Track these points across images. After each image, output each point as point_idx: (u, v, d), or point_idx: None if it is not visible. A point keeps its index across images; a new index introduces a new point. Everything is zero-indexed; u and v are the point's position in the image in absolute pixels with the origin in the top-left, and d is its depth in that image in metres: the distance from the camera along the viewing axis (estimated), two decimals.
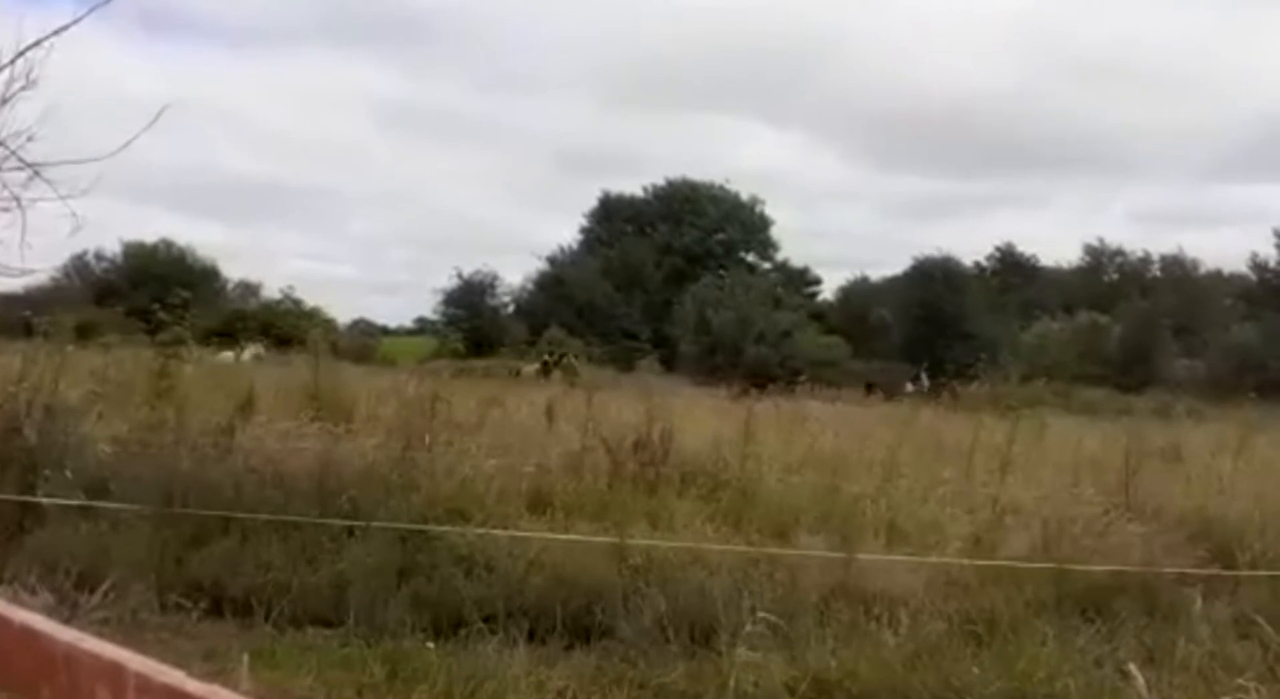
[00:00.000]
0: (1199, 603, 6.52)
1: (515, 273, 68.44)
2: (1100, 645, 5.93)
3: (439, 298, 54.31)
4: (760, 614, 5.87)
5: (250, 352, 27.81)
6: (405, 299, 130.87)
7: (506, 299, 55.86)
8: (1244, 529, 8.27)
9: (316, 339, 14.13)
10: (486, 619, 6.10)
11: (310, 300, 47.67)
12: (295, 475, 7.82)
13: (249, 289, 52.83)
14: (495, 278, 55.07)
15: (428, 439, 8.84)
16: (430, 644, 5.75)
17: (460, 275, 54.01)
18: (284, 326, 38.12)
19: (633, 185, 59.68)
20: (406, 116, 78.88)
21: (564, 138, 79.51)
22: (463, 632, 6.00)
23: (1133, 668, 3.45)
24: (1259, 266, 42.51)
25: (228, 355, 23.55)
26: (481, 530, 7.23)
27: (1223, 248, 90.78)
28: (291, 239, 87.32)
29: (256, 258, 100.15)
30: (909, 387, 33.96)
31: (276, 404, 10.68)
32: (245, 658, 4.40)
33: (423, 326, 56.04)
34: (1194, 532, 8.30)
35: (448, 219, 76.95)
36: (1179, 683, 5.18)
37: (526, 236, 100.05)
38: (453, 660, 5.50)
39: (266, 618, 6.22)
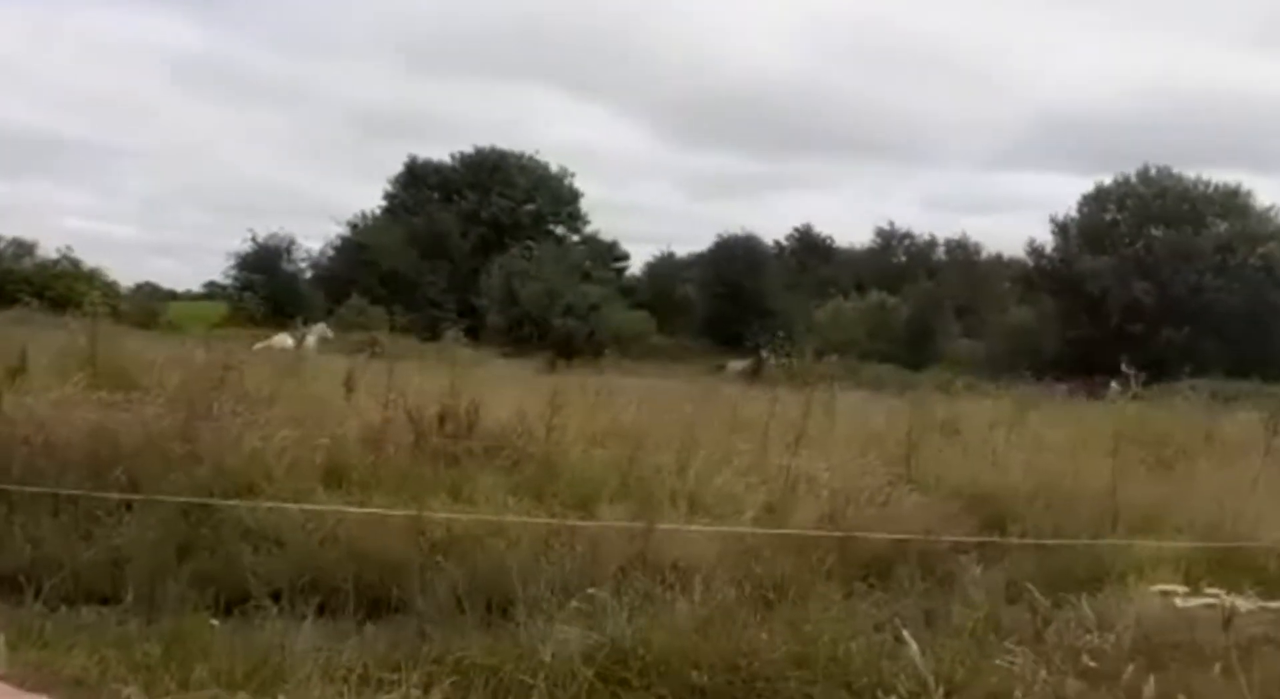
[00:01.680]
0: (973, 570, 6.92)
1: (314, 238, 66.17)
2: (881, 610, 6.21)
3: (231, 262, 51.81)
4: (560, 585, 5.87)
5: None
6: (193, 263, 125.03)
7: (304, 265, 53.95)
8: (1015, 500, 8.82)
9: (95, 302, 13.26)
10: (275, 596, 5.89)
11: (90, 261, 44.76)
12: (68, 445, 7.36)
13: (22, 247, 49.22)
14: (292, 242, 52.92)
15: (214, 409, 8.45)
16: (214, 621, 5.50)
17: (255, 238, 51.74)
18: (60, 288, 35.68)
19: (440, 152, 58.64)
20: (199, 72, 75.38)
21: (367, 102, 77.54)
22: (249, 608, 5.78)
23: (906, 633, 3.63)
24: (1036, 252, 45.22)
25: None
26: (271, 504, 6.98)
27: (1004, 233, 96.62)
28: (70, 196, 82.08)
29: (30, 215, 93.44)
30: (736, 365, 34.50)
31: (50, 371, 10.00)
32: (1, 637, 4.10)
33: (213, 291, 53.49)
34: (969, 502, 8.81)
35: (241, 181, 74.07)
36: (953, 646, 5.47)
37: (326, 201, 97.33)
38: (236, 638, 5.29)
39: (37, 596, 5.83)
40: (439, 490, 7.81)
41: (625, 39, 77.29)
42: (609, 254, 56.86)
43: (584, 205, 57.96)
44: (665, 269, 57.18)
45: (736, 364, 34.78)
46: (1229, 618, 1.09)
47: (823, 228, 60.39)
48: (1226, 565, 8.16)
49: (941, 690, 3.83)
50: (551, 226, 56.71)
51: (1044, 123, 71.05)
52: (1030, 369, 28.96)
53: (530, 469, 8.73)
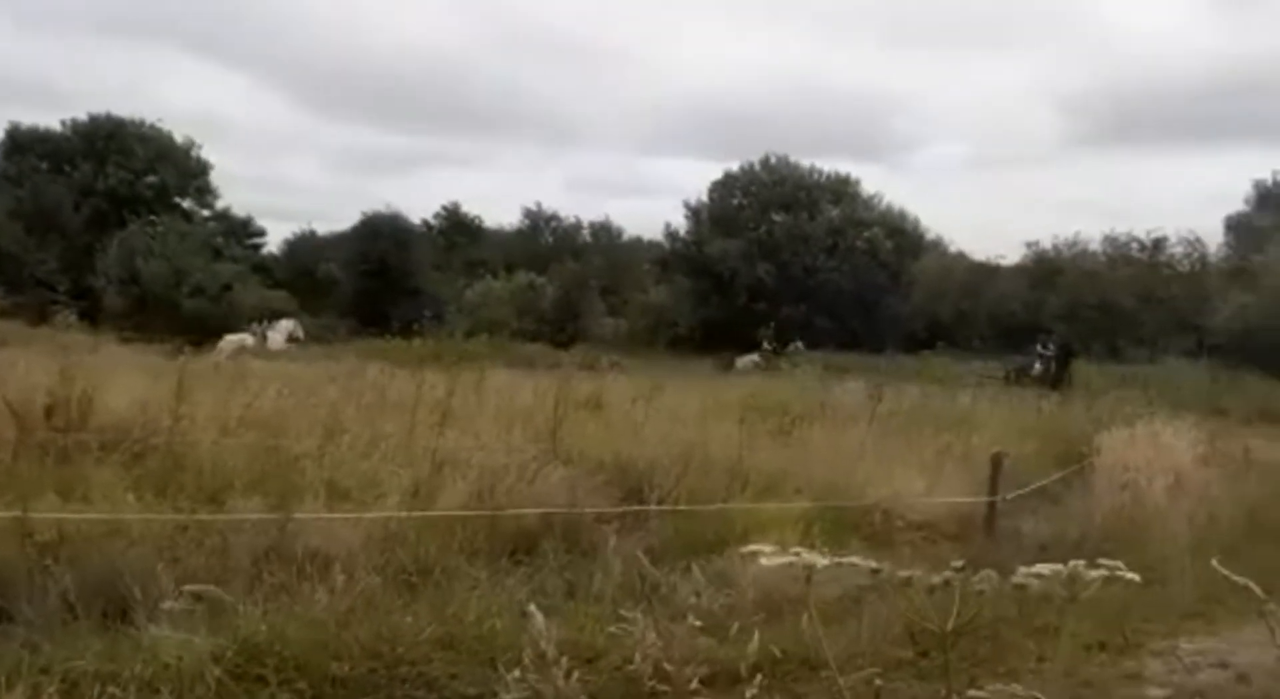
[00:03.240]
0: (613, 540, 7.17)
1: None
2: (527, 585, 6.31)
3: None
4: (187, 584, 5.51)
5: None
6: None
7: None
8: (653, 470, 9.22)
9: None
10: None
11: None
12: None
13: None
14: None
15: None
16: None
17: None
18: None
19: (48, 119, 53.08)
20: None
21: None
22: None
23: (532, 607, 3.71)
24: (671, 235, 47.53)
25: None
26: None
27: (645, 216, 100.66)
28: None
29: None
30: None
31: None
32: None
33: None
34: (613, 474, 9.11)
35: None
36: (593, 612, 5.65)
37: None
38: None
39: None
40: (46, 489, 7.09)
41: (266, 5, 73.44)
42: (243, 230, 53.86)
43: (216, 179, 54.51)
44: (306, 247, 54.94)
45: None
46: (809, 574, 1.17)
47: (471, 207, 60.45)
48: (840, 523, 8.96)
49: (565, 660, 3.94)
50: (178, 200, 52.83)
51: (682, 110, 74.71)
52: (667, 345, 30.44)
53: (154, 462, 8.14)
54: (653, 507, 8.18)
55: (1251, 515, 10.18)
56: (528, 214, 59.47)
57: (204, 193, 54.37)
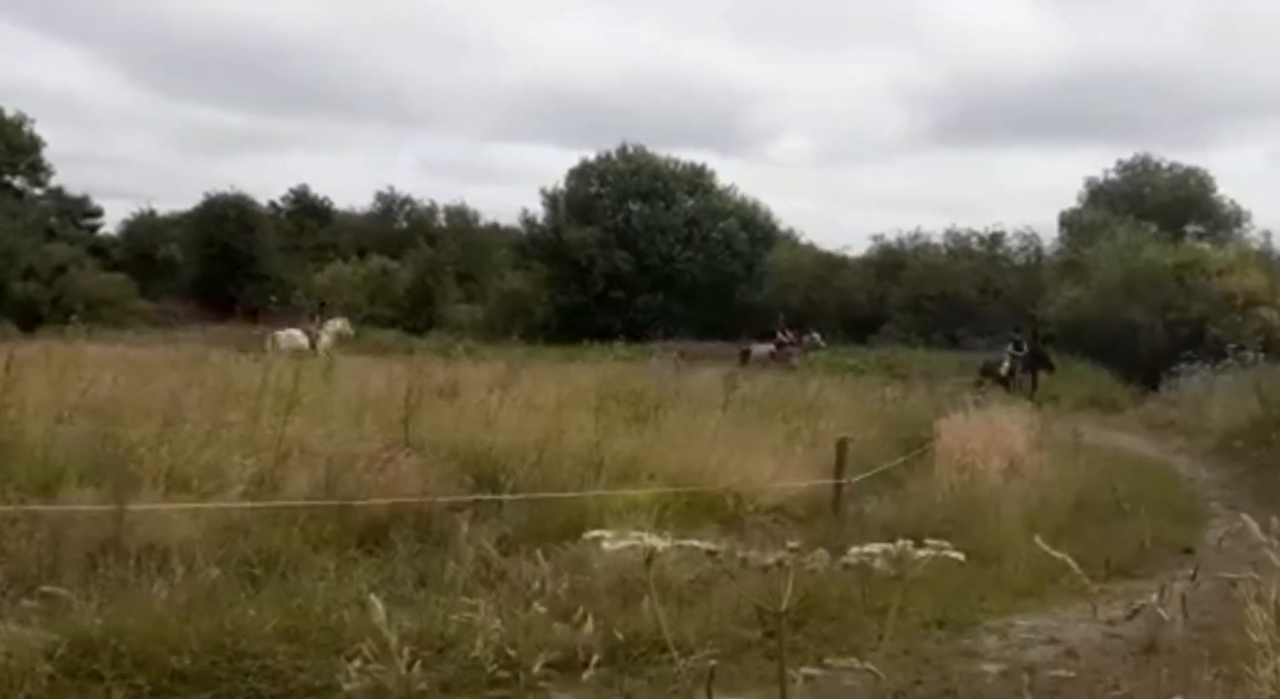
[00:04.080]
0: (465, 528, 7.10)
1: None
2: (376, 575, 6.20)
3: None
4: (18, 578, 5.25)
5: None
6: None
7: None
8: (508, 458, 9.17)
9: None
10: None
11: None
12: None
13: None
14: None
15: None
16: None
17: None
18: None
19: None
20: None
21: None
22: None
23: (372, 597, 3.65)
24: (529, 222, 47.26)
25: None
26: None
27: (502, 202, 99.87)
28: None
29: None
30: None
31: None
32: None
33: None
34: (466, 462, 9.03)
35: None
36: (444, 601, 5.60)
37: None
38: None
39: None
40: None
41: None
42: (79, 210, 51.30)
43: (50, 156, 51.69)
44: (146, 228, 52.56)
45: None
46: (650, 557, 1.18)
47: (321, 190, 58.82)
48: (694, 507, 9.10)
49: (410, 650, 3.90)
50: (8, 178, 49.96)
51: (540, 97, 74.25)
52: (525, 332, 30.31)
53: None
54: (506, 495, 8.14)
55: (1080, 497, 10.72)
56: (380, 197, 58.23)
57: (36, 170, 51.48)
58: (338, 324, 25.18)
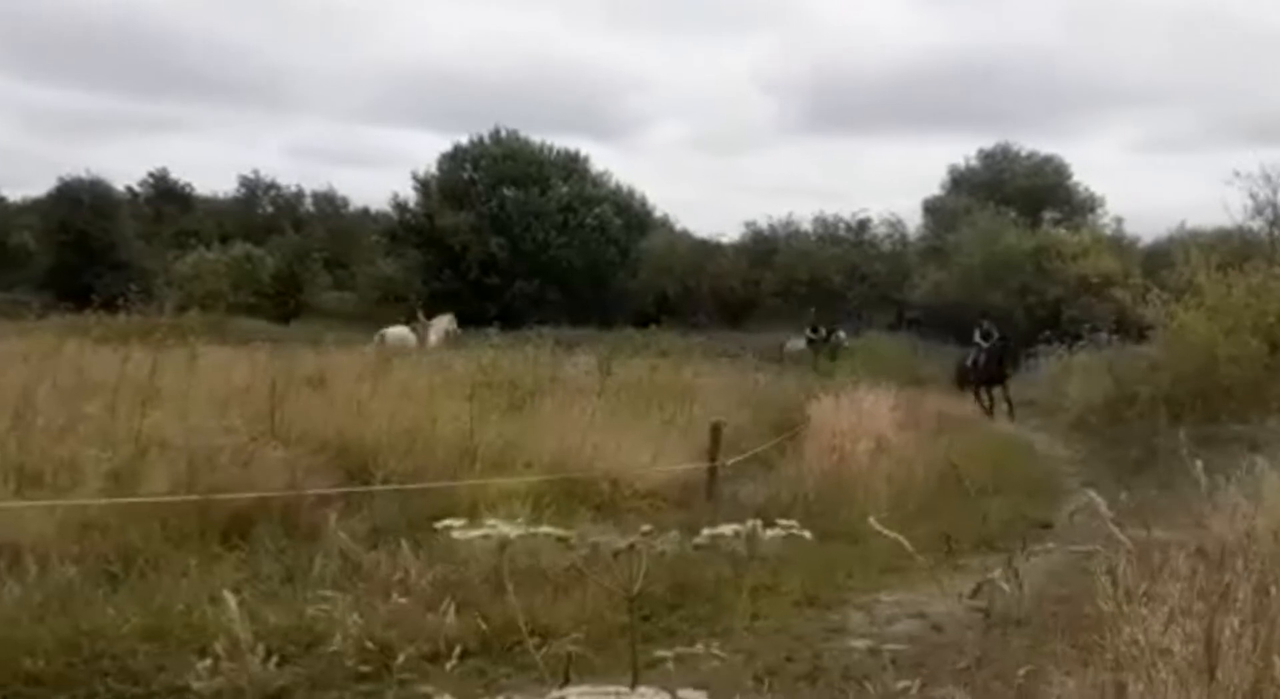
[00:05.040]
0: (333, 520, 6.96)
1: None
2: (242, 571, 6.04)
3: None
4: None
5: None
6: None
7: None
8: (379, 447, 9.02)
9: None
10: None
11: None
12: None
13: None
14: None
15: None
16: None
17: None
18: None
19: None
20: None
21: None
22: None
23: (226, 593, 3.56)
24: (400, 207, 46.45)
25: None
26: None
27: (372, 187, 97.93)
28: None
29: None
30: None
31: None
32: None
33: None
34: (336, 453, 8.85)
35: None
36: (312, 597, 5.48)
37: None
38: None
39: None
40: None
41: None
42: None
43: None
44: None
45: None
46: (503, 545, 1.17)
47: (181, 174, 56.76)
48: (570, 495, 9.09)
49: (264, 646, 3.81)
50: None
51: (412, 80, 72.79)
52: (397, 320, 29.77)
53: None
54: (377, 486, 8.01)
55: (943, 474, 11.07)
56: (244, 182, 56.40)
57: None
58: (444, 322, 24.25)
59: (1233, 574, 3.52)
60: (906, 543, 2.57)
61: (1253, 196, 30.51)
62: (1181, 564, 3.80)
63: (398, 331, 22.22)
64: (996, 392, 21.16)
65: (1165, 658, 3.21)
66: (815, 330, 28.65)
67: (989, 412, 20.76)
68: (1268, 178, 30.32)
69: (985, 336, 22.27)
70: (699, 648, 1.54)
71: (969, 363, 22.36)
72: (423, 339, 21.72)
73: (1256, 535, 4.46)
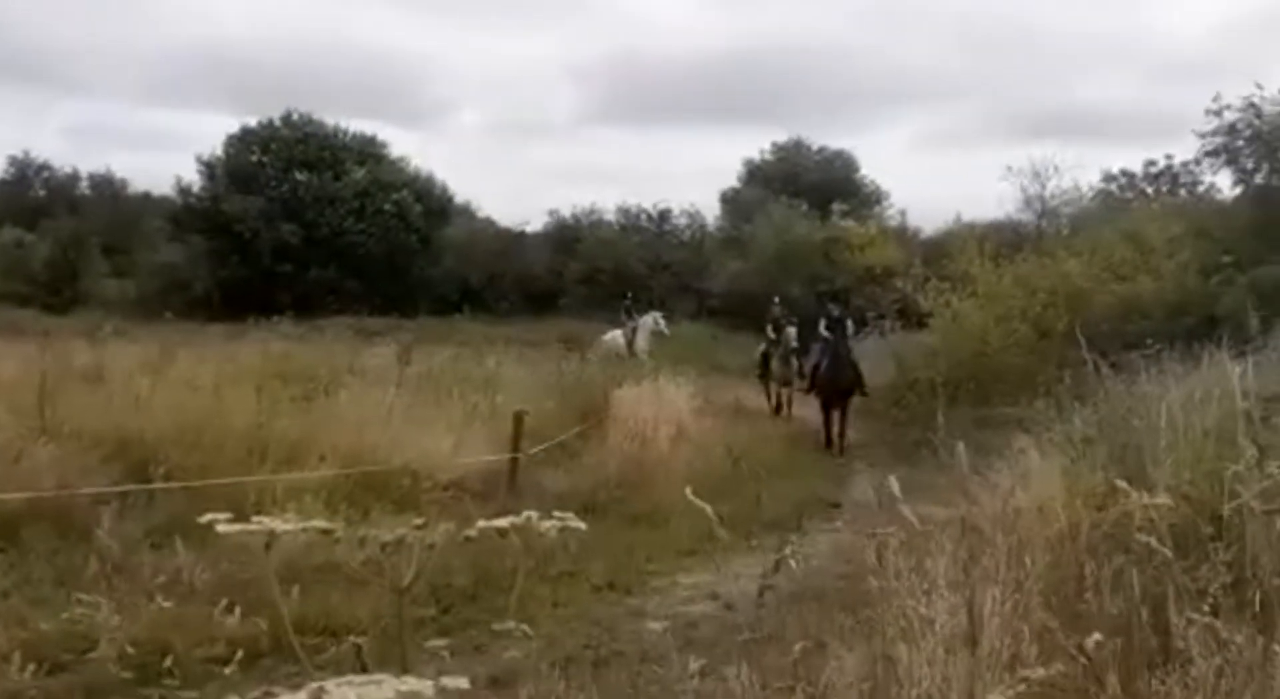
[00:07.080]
0: (107, 521, 6.59)
1: None
2: (10, 575, 5.66)
3: None
4: None
5: None
6: None
7: None
8: (160, 443, 8.59)
9: None
10: None
11: None
12: None
13: None
14: None
15: None
16: None
17: None
18: None
19: None
20: None
21: None
22: None
23: None
24: (184, 191, 44.21)
25: None
26: None
27: (155, 170, 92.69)
28: None
29: None
30: None
31: None
32: None
33: None
34: (113, 450, 8.38)
35: None
36: (87, 601, 5.18)
37: None
38: None
39: None
40: None
41: None
42: None
43: None
44: None
45: None
46: (269, 542, 1.14)
47: None
48: (367, 488, 8.90)
49: (18, 655, 3.60)
50: None
51: (198, 60, 69.15)
52: (181, 307, 28.47)
53: None
54: (158, 484, 7.63)
55: (739, 457, 11.39)
56: (14, 163, 52.64)
57: None
58: (649, 320, 20.98)
59: (992, 548, 3.76)
60: (711, 511, 2.65)
61: (1023, 190, 32.58)
62: (945, 539, 4.03)
63: (614, 336, 20.24)
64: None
65: (931, 629, 3.40)
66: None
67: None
68: (1037, 173, 32.44)
69: (811, 321, 18.05)
70: (487, 638, 1.54)
71: (813, 366, 16.89)
72: (629, 342, 19.50)
73: (1019, 510, 4.77)
